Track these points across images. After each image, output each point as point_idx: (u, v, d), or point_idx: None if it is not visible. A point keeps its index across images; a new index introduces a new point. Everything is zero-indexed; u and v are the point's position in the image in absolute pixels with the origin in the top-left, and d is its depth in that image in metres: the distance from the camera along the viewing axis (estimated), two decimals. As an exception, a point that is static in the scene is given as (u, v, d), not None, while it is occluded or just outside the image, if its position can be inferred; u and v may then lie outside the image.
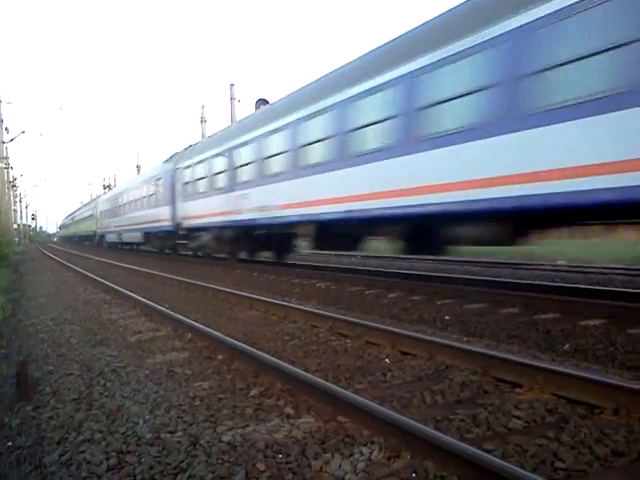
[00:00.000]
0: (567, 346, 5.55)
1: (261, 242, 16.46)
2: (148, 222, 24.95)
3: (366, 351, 5.45)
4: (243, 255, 17.96)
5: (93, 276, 14.23)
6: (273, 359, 4.70)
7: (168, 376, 4.81)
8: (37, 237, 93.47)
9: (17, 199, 60.30)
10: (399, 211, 8.99)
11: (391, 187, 9.11)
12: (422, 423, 3.17)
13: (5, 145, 33.20)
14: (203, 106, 31.46)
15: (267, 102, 19.41)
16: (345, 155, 10.37)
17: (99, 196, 46.79)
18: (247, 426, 3.50)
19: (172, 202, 21.51)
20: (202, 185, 18.43)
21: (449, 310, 7.63)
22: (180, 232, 20.86)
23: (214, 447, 3.18)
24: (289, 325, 6.99)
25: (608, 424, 3.28)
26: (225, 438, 3.30)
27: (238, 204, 15.37)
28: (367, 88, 9.68)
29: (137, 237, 28.03)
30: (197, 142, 23.46)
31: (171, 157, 23.87)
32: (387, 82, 9.19)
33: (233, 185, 15.80)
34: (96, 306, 9.49)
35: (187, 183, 19.96)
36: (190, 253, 21.90)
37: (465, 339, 5.95)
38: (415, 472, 2.76)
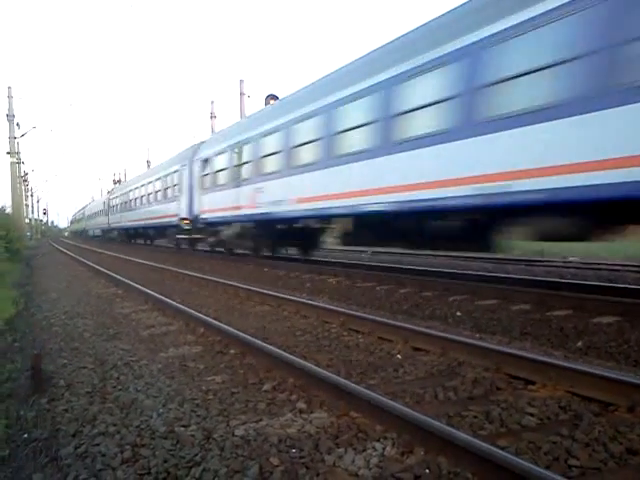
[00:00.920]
0: (580, 343, 5.52)
1: (289, 237, 15.48)
2: (161, 217, 24.37)
3: (378, 347, 5.45)
4: (266, 251, 16.91)
5: (105, 270, 14.30)
6: (285, 354, 4.71)
7: (181, 370, 4.83)
8: (48, 232, 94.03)
9: (28, 194, 60.68)
10: (465, 201, 8.06)
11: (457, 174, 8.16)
12: (435, 419, 3.17)
13: (16, 140, 33.44)
14: (213, 102, 31.65)
15: (277, 97, 19.09)
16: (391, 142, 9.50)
17: (113, 189, 46.75)
18: (260, 420, 3.51)
19: (190, 194, 20.55)
20: (224, 177, 17.27)
21: (461, 306, 7.61)
22: (198, 226, 19.74)
23: (227, 441, 3.20)
24: (301, 320, 7.00)
25: (623, 422, 3.27)
26: (238, 432, 3.32)
27: (263, 196, 14.37)
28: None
29: (150, 231, 28.46)
30: (219, 131, 22.74)
31: (188, 149, 22.68)
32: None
33: (256, 177, 14.84)
34: (108, 300, 9.54)
35: (206, 175, 18.73)
36: (207, 248, 20.87)
37: (477, 335, 5.94)
38: (428, 468, 2.77)
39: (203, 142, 21.26)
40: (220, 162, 17.77)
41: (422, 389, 4.05)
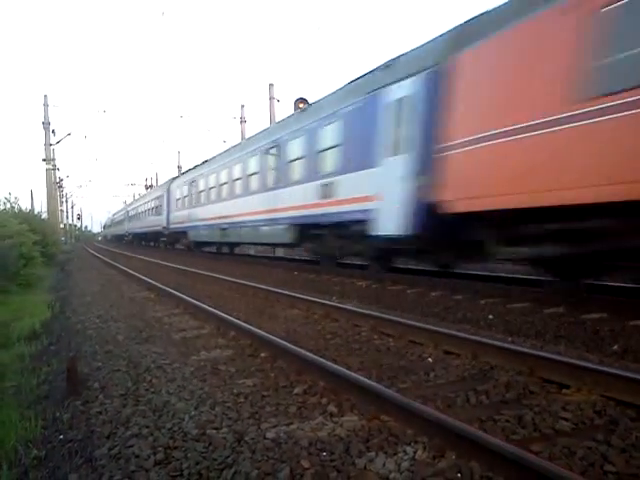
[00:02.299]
0: (616, 346, 5.41)
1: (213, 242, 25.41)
2: (153, 226, 36.22)
3: (409, 350, 5.42)
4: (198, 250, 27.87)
5: (137, 274, 14.51)
6: (316, 357, 4.71)
7: (212, 373, 4.87)
8: (82, 236, 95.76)
9: (63, 199, 61.90)
10: None
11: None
12: (467, 423, 3.14)
13: (52, 147, 34.12)
14: (243, 106, 31.76)
15: (306, 101, 19.48)
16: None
17: (130, 203, 56.43)
18: (291, 423, 3.52)
19: (167, 211, 31.27)
20: (181, 202, 28.52)
21: (492, 309, 7.52)
22: (170, 233, 31.17)
23: (259, 444, 3.21)
24: (330, 324, 7.00)
25: (661, 427, 3.19)
26: (269, 435, 3.33)
27: (200, 215, 24.73)
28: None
29: (149, 235, 40.08)
30: (185, 171, 33.68)
31: (167, 181, 33.84)
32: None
33: (197, 203, 25.62)
34: (140, 304, 9.68)
35: (176, 199, 29.59)
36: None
37: (510, 339, 5.85)
38: (460, 472, 2.74)
39: (176, 177, 32.70)
40: (180, 192, 28.63)
41: (453, 393, 4.02)
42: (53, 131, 33.26)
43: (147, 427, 3.58)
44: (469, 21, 9.10)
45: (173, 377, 4.79)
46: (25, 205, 26.37)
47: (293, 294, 9.10)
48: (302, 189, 14.03)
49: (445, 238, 9.47)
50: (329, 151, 12.83)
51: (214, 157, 24.63)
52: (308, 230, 14.11)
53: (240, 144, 22.33)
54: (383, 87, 10.72)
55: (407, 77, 9.95)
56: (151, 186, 56.46)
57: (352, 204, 11.61)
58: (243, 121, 31.69)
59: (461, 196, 8.23)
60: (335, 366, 4.42)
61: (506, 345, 5.01)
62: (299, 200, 14.13)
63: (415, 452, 3.00)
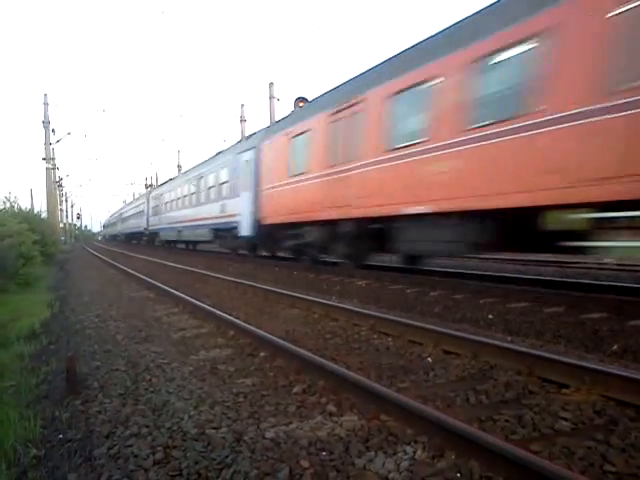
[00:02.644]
0: (616, 346, 5.41)
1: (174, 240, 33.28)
2: (137, 227, 45.95)
3: (408, 350, 5.42)
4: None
5: (136, 274, 14.51)
6: (315, 357, 4.71)
7: (212, 373, 4.87)
8: (82, 236, 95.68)
9: (63, 199, 61.85)
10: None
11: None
12: (466, 423, 3.14)
13: (52, 146, 34.09)
14: (242, 105, 31.76)
15: (306, 100, 19.87)
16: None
17: (121, 208, 67.01)
18: (290, 423, 3.52)
19: (147, 216, 40.12)
20: (156, 209, 37.25)
21: (492, 309, 7.52)
22: (149, 233, 41.01)
23: (258, 443, 3.21)
24: (330, 323, 7.00)
25: (660, 427, 3.19)
26: (269, 435, 3.33)
27: (161, 220, 35.83)
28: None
29: (136, 235, 47.17)
30: (158, 185, 43.80)
31: (147, 192, 44.45)
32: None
33: (160, 212, 36.65)
34: (140, 303, 9.67)
35: (153, 207, 38.37)
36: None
37: (509, 338, 5.85)
38: (460, 472, 2.74)
39: (154, 188, 41.64)
40: (155, 201, 36.81)
41: (453, 392, 4.02)
42: (53, 130, 33.22)
43: (146, 427, 3.58)
44: (269, 126, 19.11)
45: (172, 376, 4.79)
46: (25, 204, 26.32)
47: (292, 294, 9.10)
48: (213, 206, 22.44)
49: (266, 237, 17.22)
50: (224, 184, 21.37)
51: (174, 177, 36.23)
52: (218, 232, 22.28)
53: (185, 172, 33.34)
54: (241, 152, 19.44)
55: (248, 150, 18.69)
56: (151, 185, 57.78)
57: (232, 217, 19.63)
58: (243, 120, 31.67)
59: (268, 215, 16.37)
60: (334, 366, 4.42)
61: (505, 345, 5.00)
62: (212, 213, 22.44)
63: (415, 452, 3.00)
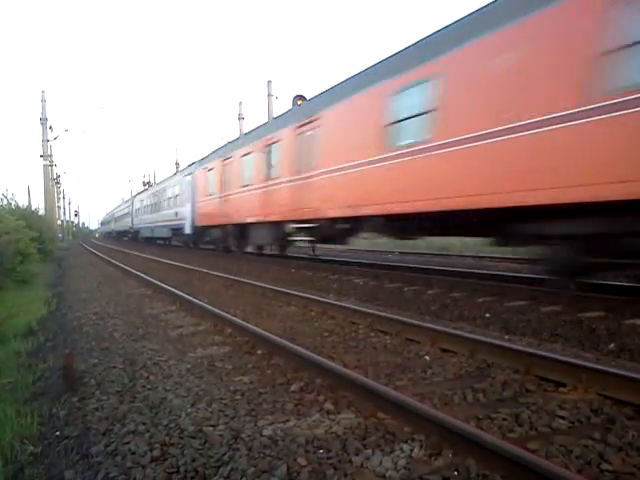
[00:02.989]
0: (612, 345, 5.42)
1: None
2: (124, 225, 53.05)
3: (406, 348, 5.42)
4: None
5: (134, 271, 14.48)
6: (313, 355, 4.71)
7: (209, 370, 4.87)
8: (79, 233, 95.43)
9: (60, 196, 61.76)
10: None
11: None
12: (464, 421, 3.14)
13: (49, 143, 34.04)
14: (241, 103, 31.75)
15: (304, 98, 20.02)
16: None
17: (115, 208, 72.35)
18: (288, 421, 3.52)
19: (132, 217, 46.79)
20: (138, 211, 43.69)
21: (490, 307, 7.53)
22: (134, 231, 46.60)
23: (255, 441, 3.21)
24: (328, 321, 7.00)
25: (657, 426, 3.20)
26: (266, 432, 3.33)
27: (141, 220, 42.27)
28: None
29: (124, 233, 53.78)
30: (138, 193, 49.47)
31: (132, 197, 49.55)
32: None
33: (139, 214, 43.72)
34: (137, 301, 9.66)
35: (136, 209, 44.90)
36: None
37: (506, 337, 5.86)
38: (457, 470, 2.74)
39: (138, 194, 46.69)
40: (137, 205, 43.06)
41: (450, 391, 4.02)
42: (50, 127, 33.19)
43: (144, 424, 3.58)
44: (200, 160, 24.82)
45: (170, 374, 4.79)
46: (22, 201, 26.26)
47: (290, 291, 9.09)
48: (170, 212, 29.13)
49: (199, 234, 24.17)
50: (177, 197, 27.96)
51: (148, 187, 46.52)
52: (174, 230, 28.63)
53: (157, 184, 41.71)
54: (186, 175, 26.39)
55: (189, 174, 25.64)
56: (149, 182, 59.44)
57: (181, 221, 26.23)
58: (241, 118, 31.65)
59: (198, 220, 23.63)
60: (332, 364, 4.42)
61: (503, 343, 5.01)
62: (170, 217, 29.04)
63: (412, 450, 3.00)
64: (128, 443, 3.27)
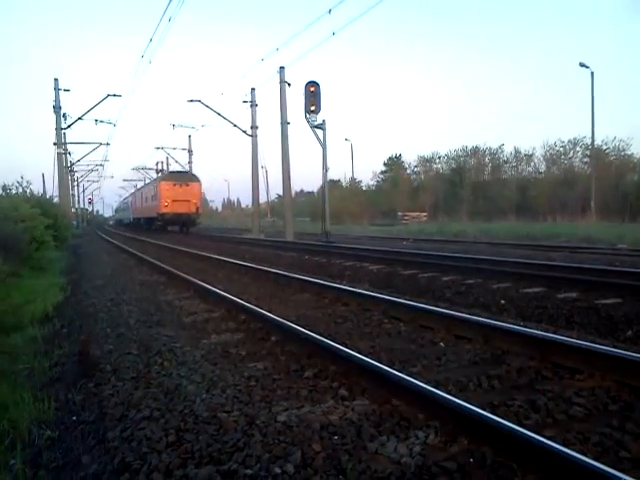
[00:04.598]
0: (630, 332, 5.36)
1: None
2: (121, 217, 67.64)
3: (420, 334, 5.40)
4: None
5: (148, 258, 14.57)
6: (326, 341, 4.70)
7: (223, 356, 4.88)
8: (94, 220, 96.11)
9: (74, 183, 62.23)
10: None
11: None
12: (479, 408, 3.11)
13: (63, 131, 34.17)
14: (253, 89, 31.51)
15: (317, 84, 20.12)
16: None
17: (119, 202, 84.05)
18: (302, 407, 3.52)
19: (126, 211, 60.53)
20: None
21: (505, 294, 7.48)
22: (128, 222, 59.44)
23: (270, 427, 3.21)
24: (341, 308, 6.99)
25: (676, 413, 3.16)
26: (280, 418, 3.33)
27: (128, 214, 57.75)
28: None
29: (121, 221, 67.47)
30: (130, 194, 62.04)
31: (128, 195, 62.58)
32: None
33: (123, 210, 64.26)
34: (151, 288, 9.72)
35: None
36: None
37: (522, 324, 5.82)
38: (472, 457, 2.72)
39: (135, 190, 54.47)
40: (133, 199, 53.49)
41: (465, 377, 4.00)
42: (64, 115, 33.26)
43: (159, 410, 3.59)
44: (160, 176, 45.65)
45: (184, 360, 4.81)
46: (37, 189, 26.44)
47: (304, 278, 9.10)
48: (130, 210, 52.93)
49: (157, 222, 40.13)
50: (149, 197, 40.85)
51: (139, 187, 53.41)
52: (147, 220, 41.89)
53: (140, 187, 52.14)
54: (150, 185, 44.34)
55: (153, 185, 42.10)
56: (162, 170, 60.00)
57: (150, 214, 40.45)
58: (254, 105, 31.48)
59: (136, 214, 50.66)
60: (346, 350, 4.41)
61: (518, 329, 4.97)
62: (145, 212, 42.27)
63: (427, 436, 2.98)
64: (143, 429, 3.29)
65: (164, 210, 35.31)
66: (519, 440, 2.65)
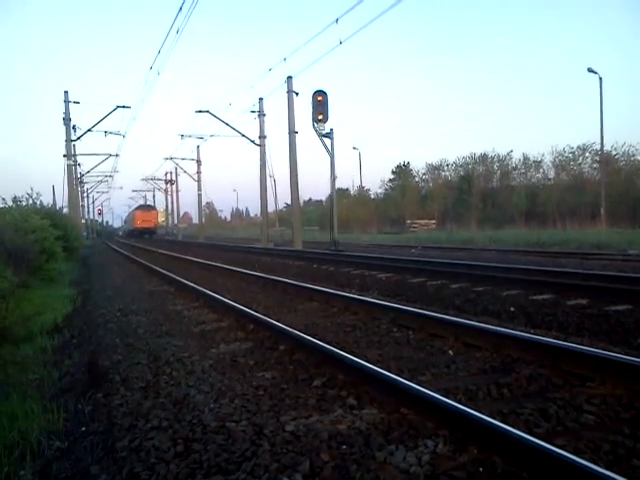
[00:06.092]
0: (641, 339, 5.31)
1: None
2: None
3: (429, 343, 5.37)
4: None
5: (157, 268, 14.62)
6: (335, 350, 4.69)
7: (232, 366, 4.88)
8: (103, 231, 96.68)
9: (84, 195, 62.74)
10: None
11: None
12: (489, 416, 3.09)
13: (73, 143, 34.39)
14: (261, 99, 31.62)
15: (324, 93, 20.35)
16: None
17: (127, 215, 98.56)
18: (310, 416, 3.50)
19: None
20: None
21: (514, 301, 7.43)
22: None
23: (278, 436, 3.20)
24: (350, 316, 6.97)
25: (689, 421, 3.12)
26: (289, 428, 3.32)
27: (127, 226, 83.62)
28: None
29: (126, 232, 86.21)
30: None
31: (131, 211, 79.64)
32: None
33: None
34: (160, 298, 9.74)
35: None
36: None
37: (532, 331, 5.77)
38: (482, 466, 2.70)
39: (134, 209, 72.99)
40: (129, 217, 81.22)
41: (475, 386, 3.97)
42: (74, 127, 33.48)
43: (167, 420, 3.59)
44: (140, 205, 77.77)
45: (192, 370, 4.81)
46: (47, 201, 26.59)
47: (312, 287, 9.09)
48: (127, 225, 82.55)
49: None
50: (134, 217, 69.41)
51: (134, 208, 74.56)
52: (130, 233, 70.68)
53: (134, 207, 74.97)
54: (134, 211, 73.08)
55: (134, 211, 73.33)
56: (170, 180, 66.13)
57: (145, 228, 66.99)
58: (262, 115, 31.58)
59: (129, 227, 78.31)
60: (354, 359, 4.39)
61: (528, 337, 4.93)
62: (129, 227, 75.60)
63: (436, 446, 2.96)
64: (152, 439, 3.28)
65: (137, 225, 65.06)
66: (529, 449, 2.62)
